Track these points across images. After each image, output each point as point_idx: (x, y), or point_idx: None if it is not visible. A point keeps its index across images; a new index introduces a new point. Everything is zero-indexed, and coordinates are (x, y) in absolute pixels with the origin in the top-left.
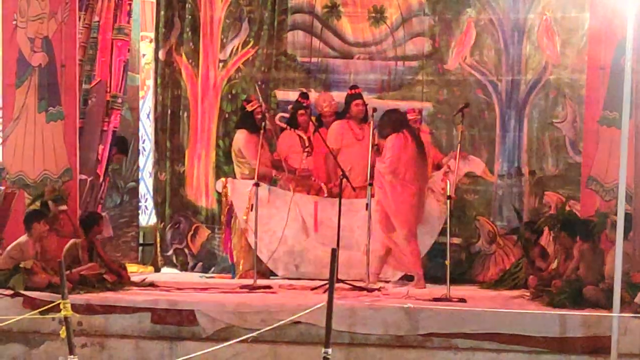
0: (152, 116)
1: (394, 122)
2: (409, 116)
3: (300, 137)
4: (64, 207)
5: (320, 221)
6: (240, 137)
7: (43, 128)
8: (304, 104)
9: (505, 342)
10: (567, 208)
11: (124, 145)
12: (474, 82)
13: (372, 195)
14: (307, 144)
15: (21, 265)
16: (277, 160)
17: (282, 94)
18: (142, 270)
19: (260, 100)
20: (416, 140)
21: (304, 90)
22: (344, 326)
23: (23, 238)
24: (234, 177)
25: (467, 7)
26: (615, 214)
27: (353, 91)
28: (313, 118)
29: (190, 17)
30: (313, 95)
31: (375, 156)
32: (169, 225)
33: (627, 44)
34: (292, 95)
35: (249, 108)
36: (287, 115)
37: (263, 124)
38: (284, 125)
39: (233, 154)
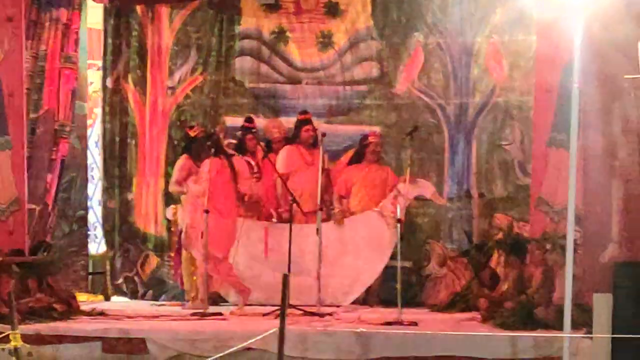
0: (100, 144)
1: (212, 146)
2: (370, 139)
3: (248, 162)
4: None
5: (270, 247)
6: (177, 162)
7: None
8: (252, 129)
9: None
10: (516, 230)
11: None
12: (422, 105)
13: (323, 220)
14: (255, 170)
15: None
16: None
17: (231, 120)
18: (92, 299)
19: (209, 127)
20: (231, 166)
21: (252, 115)
22: (296, 351)
23: None
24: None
25: (415, 31)
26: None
27: (303, 116)
28: (262, 144)
29: (137, 44)
30: (261, 121)
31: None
32: (119, 254)
33: (574, 66)
34: (241, 122)
35: (191, 134)
36: (234, 141)
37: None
38: (232, 152)
39: None
